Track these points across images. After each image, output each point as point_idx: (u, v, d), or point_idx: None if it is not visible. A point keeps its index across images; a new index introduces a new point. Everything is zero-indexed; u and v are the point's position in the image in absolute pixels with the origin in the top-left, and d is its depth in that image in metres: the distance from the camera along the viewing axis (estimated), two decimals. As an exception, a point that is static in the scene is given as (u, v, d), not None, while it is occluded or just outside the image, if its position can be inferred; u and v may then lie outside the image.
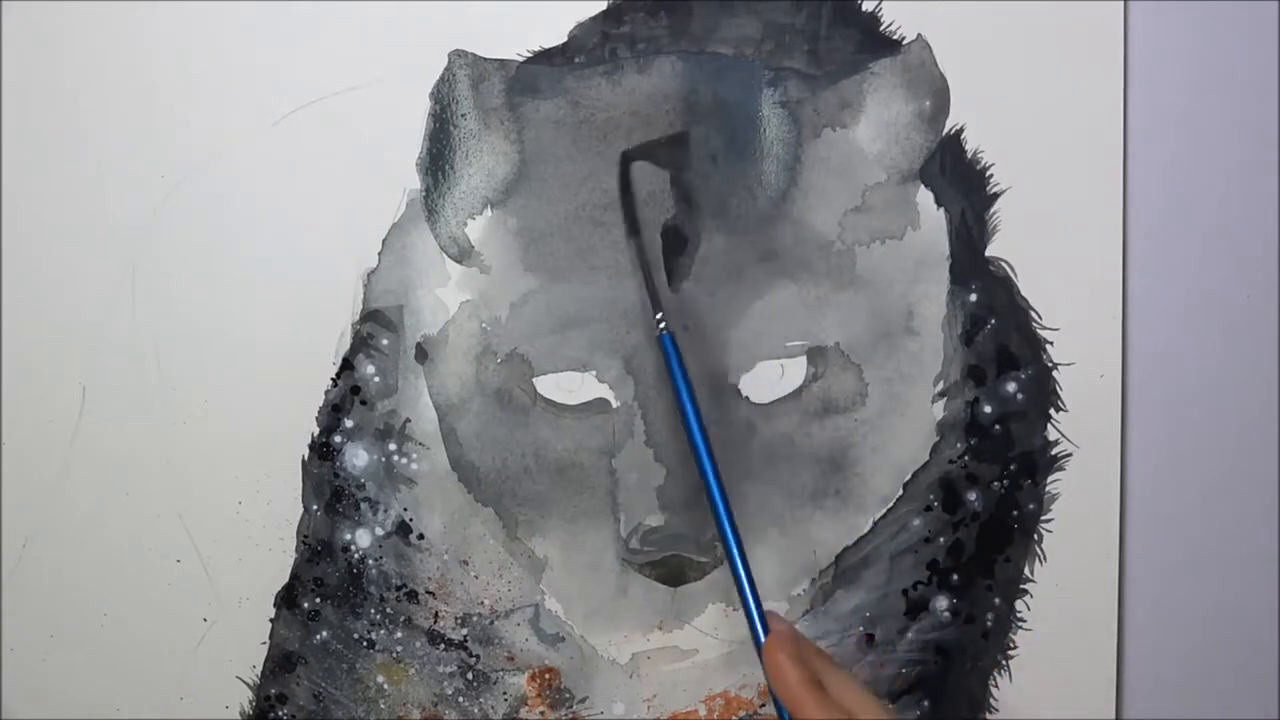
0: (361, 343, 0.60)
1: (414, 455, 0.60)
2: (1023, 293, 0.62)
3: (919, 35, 0.60)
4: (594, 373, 0.59)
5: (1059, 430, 0.63)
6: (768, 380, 0.59)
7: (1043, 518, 0.63)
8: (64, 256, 0.59)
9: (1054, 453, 0.63)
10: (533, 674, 0.62)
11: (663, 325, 0.55)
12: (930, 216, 0.61)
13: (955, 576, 0.63)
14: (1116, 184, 0.62)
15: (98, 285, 0.59)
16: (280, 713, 0.61)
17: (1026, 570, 0.63)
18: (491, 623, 0.61)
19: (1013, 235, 0.62)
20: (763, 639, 0.51)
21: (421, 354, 0.60)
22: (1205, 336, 0.64)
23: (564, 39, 0.59)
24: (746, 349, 0.59)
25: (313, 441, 0.60)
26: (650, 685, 0.62)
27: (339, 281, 0.59)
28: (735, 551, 0.52)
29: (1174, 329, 0.64)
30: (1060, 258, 0.62)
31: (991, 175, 0.61)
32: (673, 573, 0.60)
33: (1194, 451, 0.65)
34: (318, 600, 0.61)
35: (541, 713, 0.62)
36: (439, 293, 0.59)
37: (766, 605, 0.61)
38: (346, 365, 0.60)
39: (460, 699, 0.61)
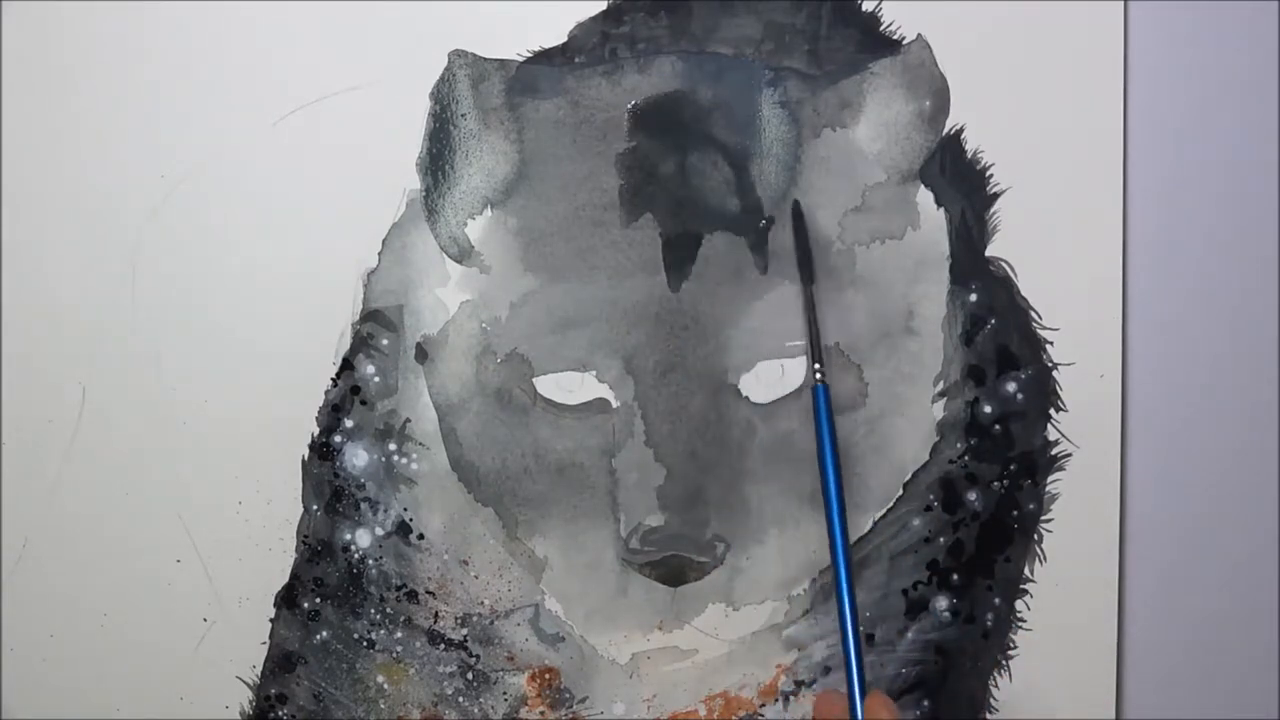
0: (361, 343, 0.60)
1: (414, 455, 0.60)
2: (1023, 293, 0.62)
3: (919, 35, 0.60)
4: (594, 373, 0.59)
5: (1059, 430, 0.63)
6: (768, 380, 0.59)
7: (1043, 518, 0.63)
8: (64, 256, 0.59)
9: (1054, 453, 0.63)
10: (533, 674, 0.62)
11: (820, 376, 0.56)
12: (930, 216, 0.61)
13: (955, 576, 0.63)
14: (1116, 184, 0.62)
15: (98, 285, 0.59)
16: (280, 713, 0.61)
17: (1026, 570, 0.63)
18: (491, 623, 0.61)
19: (1013, 235, 0.62)
20: (859, 698, 0.53)
21: (421, 354, 0.60)
22: (1205, 336, 0.64)
23: (564, 39, 0.59)
24: (746, 349, 0.59)
25: (313, 441, 0.60)
26: (650, 685, 0.62)
27: (339, 281, 0.59)
28: (850, 630, 0.54)
29: (1174, 329, 0.64)
30: (1060, 258, 0.62)
31: (991, 175, 0.61)
32: (673, 573, 0.60)
33: (1194, 451, 0.65)
34: (318, 600, 0.61)
35: (541, 713, 0.62)
36: (439, 293, 0.59)
37: (767, 605, 0.61)
38: (346, 365, 0.60)
39: (460, 699, 0.61)
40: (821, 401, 0.56)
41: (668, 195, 0.59)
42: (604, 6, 0.59)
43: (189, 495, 0.60)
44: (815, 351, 0.57)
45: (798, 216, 0.58)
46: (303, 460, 0.60)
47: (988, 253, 0.62)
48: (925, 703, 0.63)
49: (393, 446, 0.60)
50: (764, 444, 0.60)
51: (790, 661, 0.62)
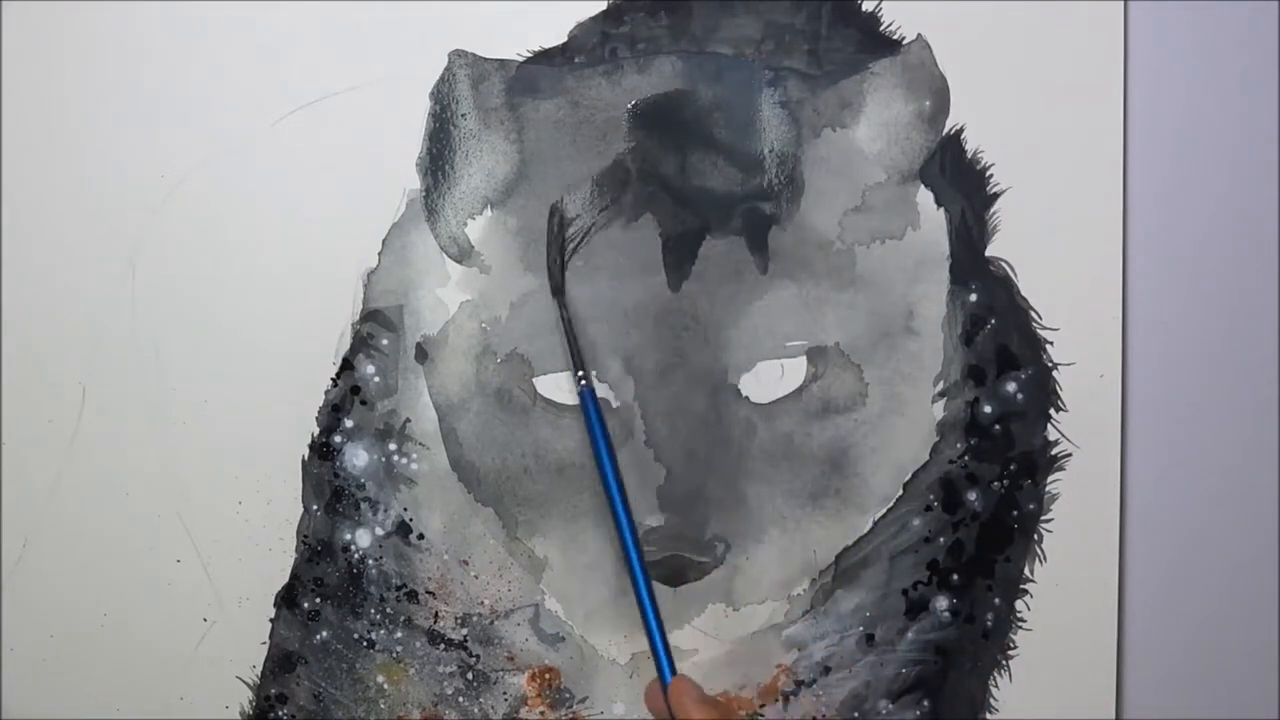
0: (361, 343, 0.60)
1: (414, 455, 0.60)
2: (1023, 293, 0.62)
3: (919, 35, 0.60)
4: (594, 373, 0.59)
5: (1059, 430, 0.63)
6: (768, 380, 0.59)
7: (1043, 518, 0.63)
8: (64, 256, 0.59)
9: (1054, 453, 0.63)
10: (533, 674, 0.62)
11: (583, 381, 0.57)
12: (930, 216, 0.61)
13: (955, 576, 0.63)
14: (1116, 184, 0.62)
15: (98, 285, 0.59)
16: (280, 713, 0.61)
17: (1026, 570, 0.63)
18: (491, 623, 0.61)
19: (1013, 235, 0.62)
20: (669, 679, 0.55)
21: (421, 354, 0.60)
22: (1205, 336, 0.64)
23: (564, 39, 0.59)
24: (746, 349, 0.59)
25: (313, 441, 0.60)
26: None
27: (339, 281, 0.59)
28: (644, 589, 0.56)
29: (1174, 329, 0.64)
30: (1060, 258, 0.62)
31: (991, 175, 0.61)
32: (673, 573, 0.60)
33: (1194, 451, 0.65)
34: (318, 600, 0.61)
35: (541, 713, 0.62)
36: (439, 293, 0.59)
37: (767, 605, 0.61)
38: (346, 365, 0.60)
39: (460, 699, 0.61)
40: (590, 404, 0.57)
41: (668, 195, 0.59)
42: (604, 6, 0.59)
43: (189, 495, 0.60)
44: (575, 360, 0.57)
45: (554, 221, 0.58)
46: (303, 460, 0.60)
47: (988, 253, 0.62)
48: (925, 703, 0.63)
49: (393, 446, 0.60)
50: (764, 444, 0.60)
51: (790, 661, 0.62)
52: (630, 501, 0.59)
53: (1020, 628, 0.63)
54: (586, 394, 0.57)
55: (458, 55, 0.58)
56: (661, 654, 0.56)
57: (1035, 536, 0.63)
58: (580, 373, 0.57)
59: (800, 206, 0.59)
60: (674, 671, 0.56)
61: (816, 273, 0.59)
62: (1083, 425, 0.63)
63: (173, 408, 0.60)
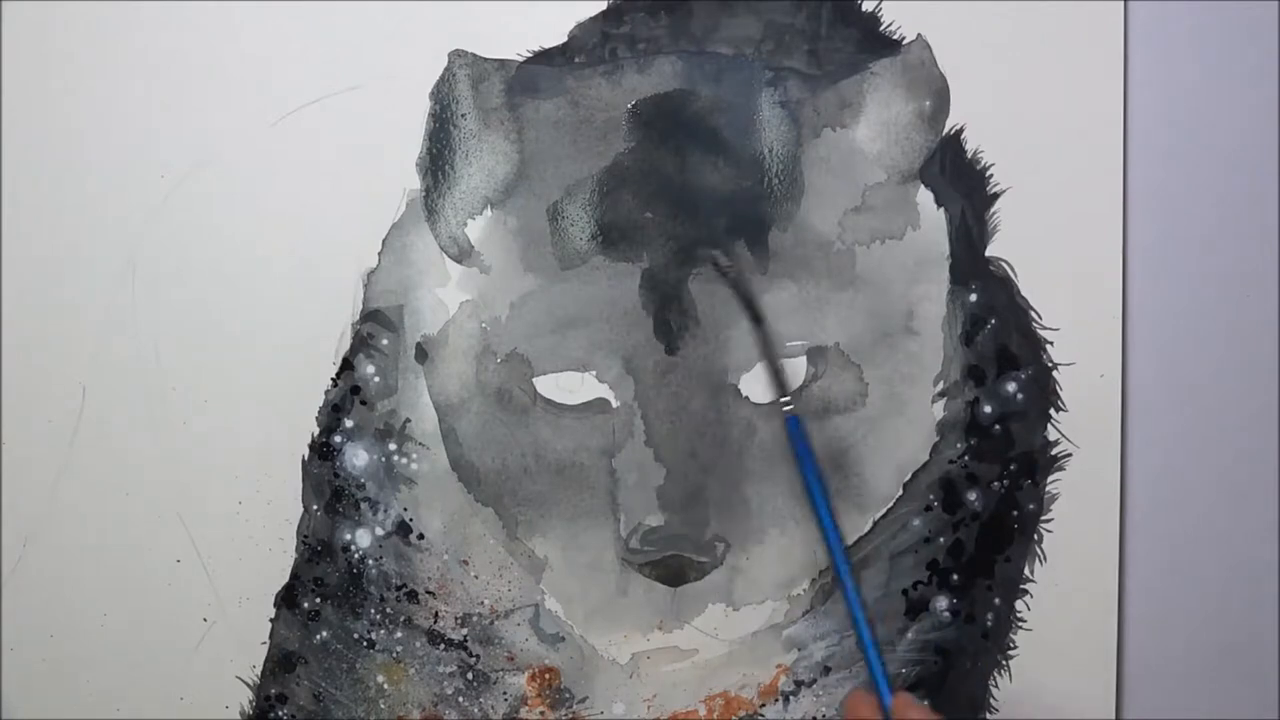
0: (361, 343, 0.60)
1: (414, 455, 0.60)
2: (1023, 293, 0.62)
3: (919, 35, 0.60)
4: (594, 373, 0.59)
5: (1059, 430, 0.63)
6: (768, 380, 0.59)
7: (1043, 518, 0.63)
8: (64, 257, 0.59)
9: (1054, 453, 0.63)
10: (533, 674, 0.62)
11: (789, 408, 0.57)
12: (930, 216, 0.61)
13: (955, 576, 0.63)
14: (1116, 184, 0.62)
15: (98, 285, 0.59)
16: (280, 713, 0.61)
17: (1026, 570, 0.63)
18: (491, 623, 0.61)
19: (1013, 235, 0.62)
20: (889, 699, 0.55)
21: (421, 354, 0.60)
22: (1205, 336, 0.64)
23: (564, 39, 0.59)
24: (746, 349, 0.59)
25: (313, 441, 0.60)
26: (650, 685, 0.62)
27: (339, 281, 0.59)
28: (864, 628, 0.57)
29: (1174, 329, 0.64)
30: (1060, 258, 0.62)
31: (991, 175, 0.61)
32: (673, 573, 0.60)
33: (1194, 451, 0.65)
34: (318, 600, 0.61)
35: (541, 713, 0.62)
36: (439, 293, 0.59)
37: (767, 605, 0.61)
38: (346, 365, 0.60)
39: (460, 699, 0.61)
40: (795, 433, 0.57)
41: (668, 195, 0.59)
42: (604, 6, 0.59)
43: (189, 495, 0.60)
44: (781, 385, 0.58)
45: (723, 276, 0.58)
46: (303, 460, 0.60)
47: (988, 253, 0.62)
48: (925, 702, 0.63)
49: (393, 446, 0.60)
50: (764, 444, 0.60)
51: (790, 661, 0.62)
52: (630, 502, 0.59)
53: (1020, 628, 0.63)
54: (793, 421, 0.58)
55: (458, 55, 0.58)
56: (879, 672, 0.56)
57: (1035, 536, 0.63)
58: (786, 397, 0.58)
59: (800, 206, 0.59)
60: (893, 690, 0.56)
61: (816, 273, 0.59)
62: (1083, 425, 0.63)
63: (173, 408, 0.60)
